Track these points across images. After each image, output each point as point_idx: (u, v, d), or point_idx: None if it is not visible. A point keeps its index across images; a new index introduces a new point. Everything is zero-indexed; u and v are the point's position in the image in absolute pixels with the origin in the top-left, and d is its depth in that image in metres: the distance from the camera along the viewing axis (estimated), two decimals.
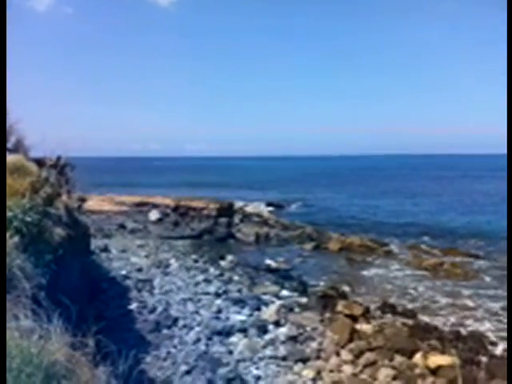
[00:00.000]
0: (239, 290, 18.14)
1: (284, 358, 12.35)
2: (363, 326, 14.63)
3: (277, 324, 14.70)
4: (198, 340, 13.09)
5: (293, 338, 13.63)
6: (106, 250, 23.81)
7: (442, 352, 12.79)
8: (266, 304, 16.58)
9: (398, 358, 12.28)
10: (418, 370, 11.76)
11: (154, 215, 32.39)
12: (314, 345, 13.31)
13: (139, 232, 30.20)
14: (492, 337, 14.45)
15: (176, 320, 14.37)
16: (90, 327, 3.91)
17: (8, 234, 6.17)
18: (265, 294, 17.95)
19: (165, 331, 13.54)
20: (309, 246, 27.95)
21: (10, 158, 8.99)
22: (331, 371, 11.79)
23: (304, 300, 17.55)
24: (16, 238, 6.58)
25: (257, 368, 11.79)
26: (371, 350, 12.83)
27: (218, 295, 17.28)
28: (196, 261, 23.15)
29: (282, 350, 12.79)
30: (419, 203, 49.59)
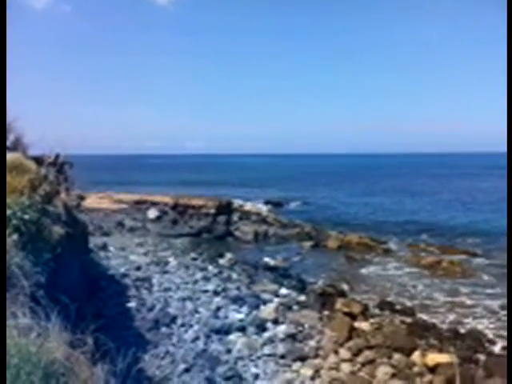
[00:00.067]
0: (238, 288, 18.14)
1: (282, 356, 12.36)
2: (362, 324, 14.66)
3: (275, 322, 14.72)
4: (196, 338, 13.10)
5: (291, 336, 13.64)
6: (104, 248, 23.80)
7: (441, 350, 12.85)
8: (265, 302, 16.58)
9: (397, 356, 12.31)
10: (416, 368, 11.79)
11: (152, 213, 32.38)
12: (312, 343, 13.33)
13: (138, 230, 30.19)
14: (490, 335, 14.48)
15: (175, 318, 14.37)
16: (89, 325, 3.91)
17: (7, 232, 6.16)
18: (263, 292, 17.95)
19: (163, 329, 13.53)
20: (307, 244, 27.97)
21: (9, 156, 8.97)
22: (330, 369, 11.81)
23: (302, 298, 17.56)
24: (15, 236, 6.57)
25: (255, 366, 11.80)
26: (370, 347, 12.86)
27: (216, 293, 17.29)
28: (195, 259, 23.16)
29: (281, 348, 12.80)
30: (418, 201, 49.64)
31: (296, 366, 11.91)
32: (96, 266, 18.16)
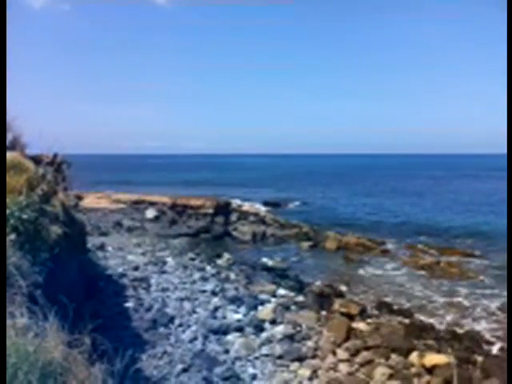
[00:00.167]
0: (236, 289, 18.13)
1: (280, 357, 12.36)
2: (359, 325, 14.67)
3: (273, 323, 14.72)
4: (194, 338, 13.09)
5: (289, 337, 13.64)
6: (102, 247, 23.77)
7: (438, 351, 12.84)
8: (263, 303, 16.59)
9: (394, 357, 12.33)
10: (413, 369, 11.81)
11: (150, 213, 32.34)
12: (310, 343, 13.33)
13: (136, 230, 30.14)
14: (488, 336, 14.50)
15: (172, 318, 14.36)
16: (87, 325, 3.91)
17: None
18: (261, 292, 17.95)
19: (161, 329, 13.52)
20: (306, 244, 27.98)
21: (7, 156, 8.95)
22: (327, 370, 11.82)
23: (301, 299, 17.57)
24: (12, 236, 6.56)
25: (253, 366, 11.80)
26: (367, 348, 12.87)
27: (214, 293, 17.28)
28: (193, 259, 23.15)
29: (279, 349, 12.80)
30: (417, 202, 49.66)
31: (294, 366, 11.92)
32: (94, 266, 18.14)
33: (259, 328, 14.18)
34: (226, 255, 24.13)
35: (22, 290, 4.53)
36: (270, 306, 16.01)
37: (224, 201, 33.36)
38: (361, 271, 22.45)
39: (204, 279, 19.22)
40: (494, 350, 13.47)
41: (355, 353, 12.70)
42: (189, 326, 13.96)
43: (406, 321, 15.48)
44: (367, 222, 37.09)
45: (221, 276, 20.10)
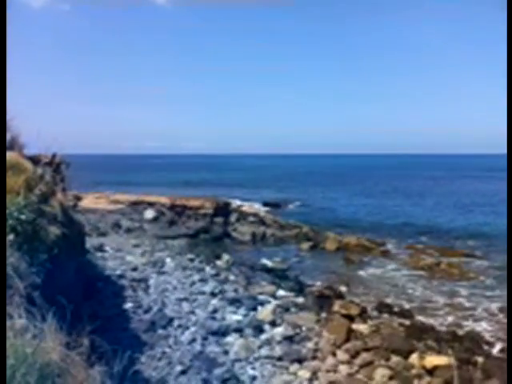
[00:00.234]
0: (235, 290, 18.07)
1: (280, 358, 12.30)
2: (360, 326, 14.63)
3: (273, 324, 14.66)
4: (193, 340, 13.03)
5: (289, 338, 13.59)
6: (101, 248, 23.68)
7: (439, 352, 12.81)
8: (262, 304, 16.53)
9: (395, 358, 12.29)
10: (414, 371, 11.76)
11: (149, 214, 32.29)
12: (310, 345, 13.28)
13: (135, 231, 30.07)
14: (489, 337, 14.47)
15: (171, 320, 14.30)
16: (85, 326, 3.87)
17: None
18: (261, 293, 17.91)
19: (160, 331, 13.46)
20: (305, 245, 27.93)
21: None
22: (327, 371, 11.77)
23: (300, 300, 17.52)
24: (11, 237, 6.52)
25: (253, 368, 11.74)
26: (367, 350, 12.83)
27: (213, 295, 17.22)
28: (192, 260, 23.07)
29: (278, 350, 12.74)
30: (417, 203, 49.66)
31: (293, 368, 11.86)
32: (92, 267, 18.08)
33: (259, 329, 14.12)
34: (226, 256, 24.07)
35: (20, 291, 4.49)
36: (269, 307, 15.95)
37: (223, 201, 33.33)
38: (361, 272, 22.42)
39: (203, 280, 19.15)
40: (495, 351, 13.44)
41: (355, 354, 12.65)
42: (188, 328, 13.90)
43: (407, 322, 15.44)
44: (367, 222, 37.05)
45: (220, 277, 20.04)
